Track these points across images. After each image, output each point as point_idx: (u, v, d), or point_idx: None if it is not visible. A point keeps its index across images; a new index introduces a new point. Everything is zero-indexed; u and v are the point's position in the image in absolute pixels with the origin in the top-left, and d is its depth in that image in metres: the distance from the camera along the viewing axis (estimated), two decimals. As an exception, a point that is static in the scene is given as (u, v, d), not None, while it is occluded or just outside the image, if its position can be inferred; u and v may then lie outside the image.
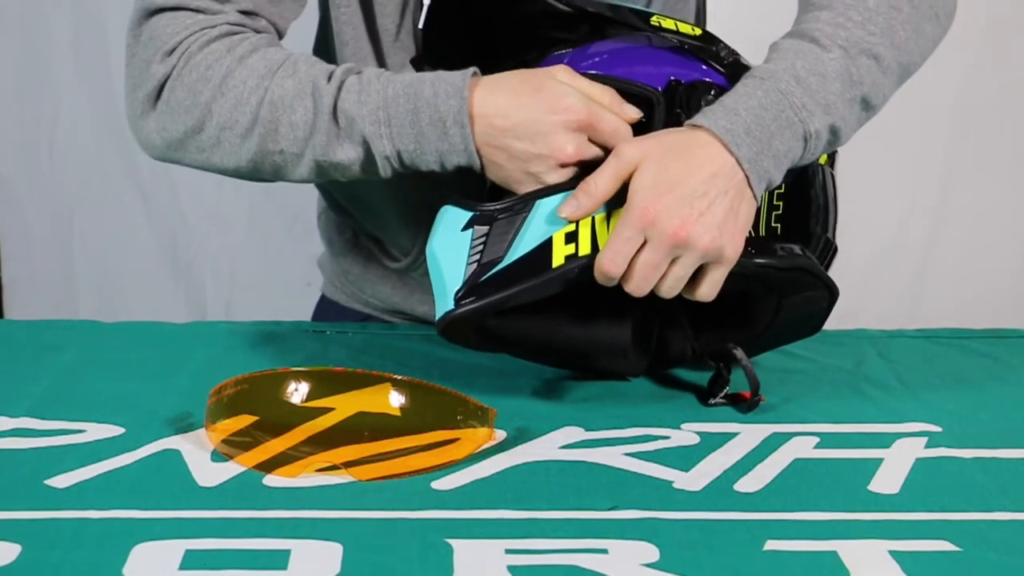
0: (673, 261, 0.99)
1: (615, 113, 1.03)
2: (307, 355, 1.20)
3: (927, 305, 2.42)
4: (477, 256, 1.00)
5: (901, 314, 2.39)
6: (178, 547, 0.83)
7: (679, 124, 1.03)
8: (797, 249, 1.06)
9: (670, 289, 1.01)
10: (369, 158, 1.06)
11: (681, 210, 0.98)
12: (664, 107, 1.04)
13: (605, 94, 1.03)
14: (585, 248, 0.99)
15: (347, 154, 1.06)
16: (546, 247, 0.99)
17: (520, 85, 1.03)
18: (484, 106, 1.02)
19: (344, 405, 1.01)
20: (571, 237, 0.99)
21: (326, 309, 1.42)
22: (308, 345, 1.24)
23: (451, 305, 1.01)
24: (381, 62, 1.22)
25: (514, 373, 1.16)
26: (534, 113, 1.01)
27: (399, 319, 1.36)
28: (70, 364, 1.18)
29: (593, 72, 1.05)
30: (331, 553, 0.83)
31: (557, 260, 0.99)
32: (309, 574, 0.80)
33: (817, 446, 1.02)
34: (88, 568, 0.80)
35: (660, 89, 1.04)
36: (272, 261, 2.38)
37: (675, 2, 1.27)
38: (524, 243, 1.00)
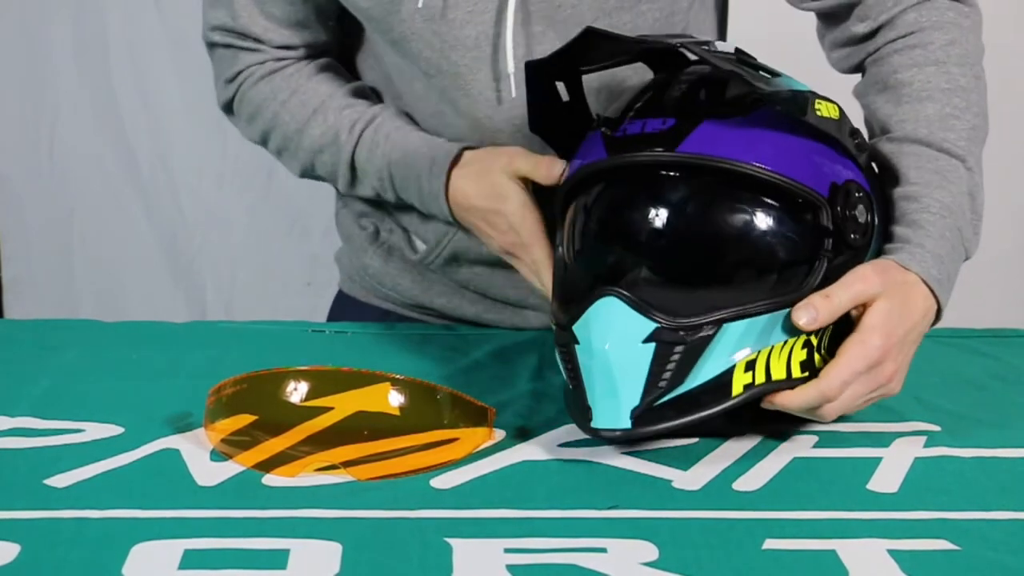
0: None
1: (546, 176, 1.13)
2: (307, 355, 1.20)
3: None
4: (661, 379, 0.95)
5: (901, 314, 2.38)
6: (177, 547, 0.83)
7: (852, 226, 1.00)
8: None
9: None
10: (379, 199, 1.27)
11: (899, 354, 1.00)
12: (830, 214, 0.99)
13: (540, 168, 1.13)
14: (760, 377, 0.97)
15: (364, 192, 1.28)
16: (727, 374, 0.96)
17: (478, 178, 1.17)
18: (454, 190, 1.19)
19: (343, 404, 1.01)
20: (750, 366, 0.97)
21: (344, 304, 1.43)
22: (308, 345, 1.24)
23: (627, 423, 0.95)
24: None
25: (514, 373, 1.16)
26: (483, 203, 1.16)
27: (418, 313, 1.36)
28: (70, 364, 1.18)
29: (762, 166, 0.97)
30: (330, 552, 0.83)
31: (736, 389, 0.97)
32: (308, 573, 0.80)
33: (816, 445, 1.02)
34: (87, 567, 0.80)
35: (824, 196, 0.98)
36: (272, 261, 2.38)
37: (697, 10, 1.27)
38: (707, 369, 0.96)
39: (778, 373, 0.98)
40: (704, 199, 1.00)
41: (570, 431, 1.03)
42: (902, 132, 1.11)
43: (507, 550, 0.83)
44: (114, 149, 2.33)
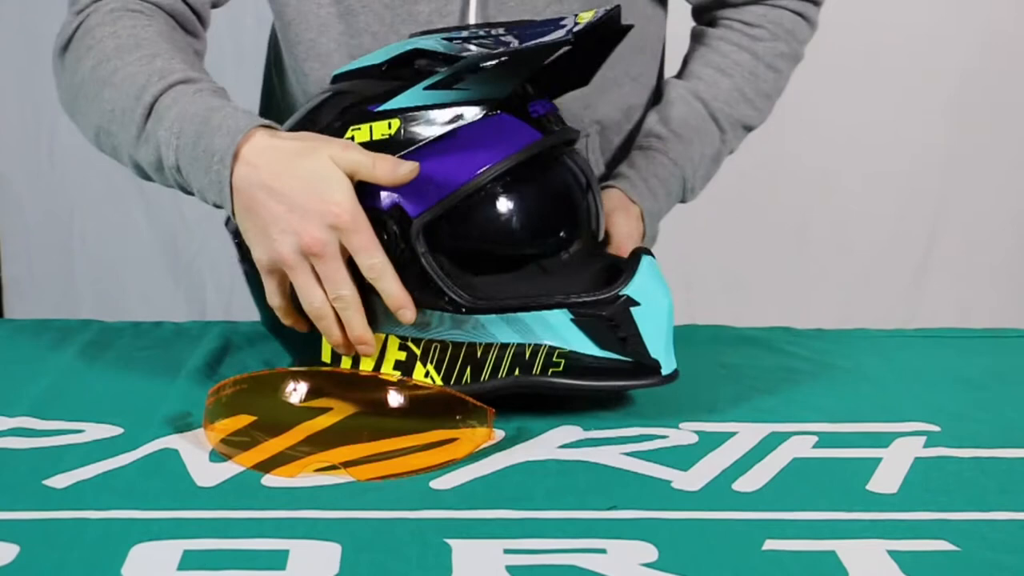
0: None
1: (390, 177, 0.98)
2: (306, 355, 1.20)
3: (927, 305, 2.42)
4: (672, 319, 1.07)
5: (901, 314, 2.39)
6: (176, 547, 0.83)
7: None
8: None
9: None
10: (159, 165, 1.07)
11: None
12: None
13: (379, 165, 0.99)
14: None
15: (146, 153, 1.08)
16: None
17: (297, 156, 0.99)
18: (256, 154, 1.00)
19: (343, 404, 1.01)
20: None
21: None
22: (307, 345, 1.24)
23: (675, 365, 1.06)
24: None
25: (513, 373, 1.16)
26: (302, 186, 0.98)
27: None
28: (70, 364, 1.18)
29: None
30: (330, 553, 0.83)
31: None
32: (308, 574, 0.80)
33: (816, 445, 1.02)
34: (87, 568, 0.80)
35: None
36: (272, 261, 2.38)
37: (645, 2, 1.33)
38: None
39: None
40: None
41: (570, 431, 1.03)
42: (694, 87, 1.31)
43: (507, 551, 0.83)
44: (114, 149, 2.33)
